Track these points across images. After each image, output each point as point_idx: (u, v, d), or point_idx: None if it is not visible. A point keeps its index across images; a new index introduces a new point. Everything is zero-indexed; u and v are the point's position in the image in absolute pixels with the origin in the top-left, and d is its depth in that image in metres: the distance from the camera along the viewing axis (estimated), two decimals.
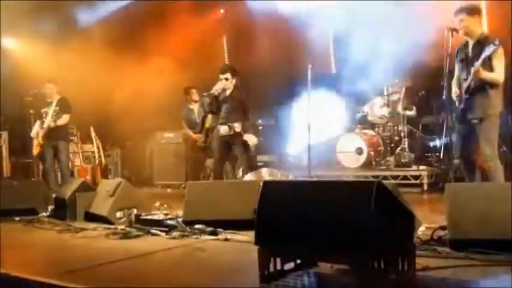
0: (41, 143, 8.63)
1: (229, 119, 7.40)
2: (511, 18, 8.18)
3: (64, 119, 8.67)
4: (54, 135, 8.67)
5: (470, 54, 5.80)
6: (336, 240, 3.08)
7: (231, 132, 7.38)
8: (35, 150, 8.88)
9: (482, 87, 5.63)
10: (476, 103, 5.69)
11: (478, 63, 5.50)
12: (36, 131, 8.74)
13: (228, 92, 7.48)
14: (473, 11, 5.78)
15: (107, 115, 10.59)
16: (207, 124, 8.97)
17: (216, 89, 7.36)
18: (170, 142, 11.29)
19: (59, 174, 8.96)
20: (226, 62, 13.11)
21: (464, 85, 5.75)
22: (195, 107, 9.68)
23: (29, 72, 10.41)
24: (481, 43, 5.70)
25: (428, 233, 4.42)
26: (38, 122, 8.81)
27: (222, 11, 12.94)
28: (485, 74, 5.55)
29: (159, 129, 11.45)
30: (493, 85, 5.64)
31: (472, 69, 5.58)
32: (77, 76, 10.27)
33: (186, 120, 9.50)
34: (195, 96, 9.62)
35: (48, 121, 8.56)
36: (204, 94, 7.71)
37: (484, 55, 5.47)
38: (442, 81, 6.00)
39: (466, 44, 5.96)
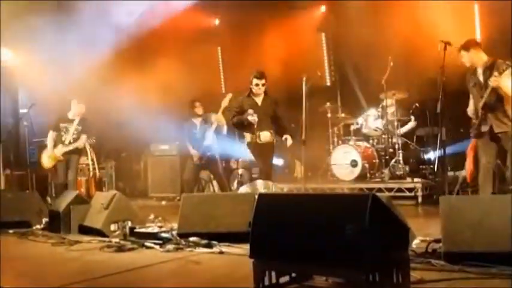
0: (59, 158, 8.63)
1: (268, 125, 7.46)
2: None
3: (83, 140, 8.60)
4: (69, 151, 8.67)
5: (481, 79, 6.22)
6: (331, 253, 3.08)
7: (272, 139, 7.46)
8: (49, 163, 8.85)
9: (496, 103, 6.08)
10: (492, 117, 6.14)
11: (495, 75, 5.88)
12: (52, 144, 8.71)
13: (262, 98, 7.50)
14: (467, 46, 6.24)
15: (102, 127, 10.57)
16: (207, 141, 8.77)
17: (255, 119, 7.36)
18: (165, 154, 11.27)
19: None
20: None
21: (480, 103, 6.15)
22: (198, 121, 9.31)
23: (24, 84, 10.41)
24: (490, 68, 6.10)
25: (423, 246, 4.42)
26: (51, 133, 8.75)
27: None
28: (504, 82, 5.88)
29: (154, 142, 11.44)
30: (507, 100, 5.98)
31: (490, 81, 5.93)
32: (72, 88, 10.27)
33: (187, 134, 9.27)
34: (198, 109, 9.23)
35: (71, 139, 8.58)
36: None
37: (496, 73, 5.89)
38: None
39: (474, 71, 6.31)
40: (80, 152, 8.88)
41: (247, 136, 7.47)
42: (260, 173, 7.49)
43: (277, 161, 11.22)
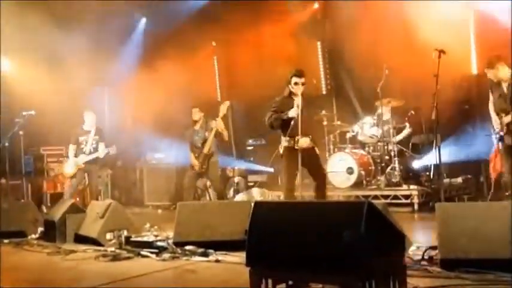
0: (81, 167, 8.92)
1: (308, 129, 6.53)
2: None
3: (102, 149, 8.93)
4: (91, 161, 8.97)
5: (505, 91, 6.51)
6: (327, 261, 3.08)
7: (311, 145, 6.57)
8: (72, 170, 8.98)
9: None
10: None
11: None
12: (73, 154, 8.94)
13: (301, 99, 6.48)
14: (490, 64, 6.53)
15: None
16: (206, 150, 8.72)
17: (297, 112, 6.34)
18: (161, 163, 11.27)
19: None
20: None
21: (508, 118, 6.45)
22: (198, 127, 9.02)
23: (19, 93, 10.39)
24: None
25: (419, 253, 4.43)
26: (71, 146, 8.99)
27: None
28: None
29: (150, 150, 11.43)
30: None
31: None
32: (68, 96, 10.28)
33: (189, 141, 9.15)
34: (195, 115, 9.00)
35: (91, 148, 8.89)
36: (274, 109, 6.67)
37: None
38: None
39: (499, 83, 6.55)
40: (97, 162, 9.11)
41: (285, 141, 6.54)
42: (291, 186, 6.55)
43: (269, 169, 11.28)
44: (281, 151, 6.62)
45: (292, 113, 6.33)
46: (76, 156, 8.92)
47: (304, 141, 6.41)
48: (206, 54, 12.51)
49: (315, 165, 6.64)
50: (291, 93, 6.57)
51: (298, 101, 6.37)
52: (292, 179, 6.55)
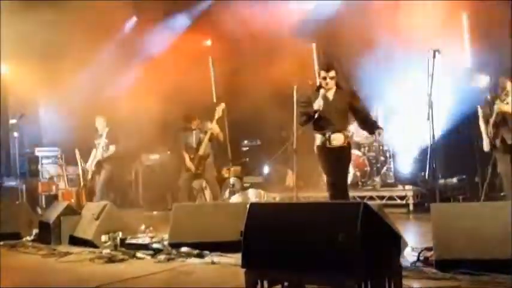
0: (93, 169, 9.39)
1: (342, 125, 5.97)
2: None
3: (111, 151, 9.28)
4: (101, 162, 9.34)
5: None
6: (323, 262, 3.08)
7: (345, 143, 5.92)
8: (90, 175, 9.50)
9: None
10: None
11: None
12: (92, 160, 9.42)
13: (333, 92, 6.02)
14: None
15: (93, 137, 10.53)
16: (201, 151, 8.70)
17: (320, 103, 5.84)
18: (156, 164, 11.24)
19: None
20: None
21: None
22: (194, 130, 9.00)
23: (14, 95, 10.36)
24: None
25: (415, 254, 4.43)
26: (93, 151, 9.44)
27: None
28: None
29: (145, 151, 11.40)
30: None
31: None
32: (63, 97, 10.26)
33: (184, 143, 9.16)
34: (194, 119, 8.99)
35: (100, 153, 9.29)
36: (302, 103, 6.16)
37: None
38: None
39: None
40: (109, 162, 9.36)
41: (318, 138, 5.98)
42: (328, 186, 5.97)
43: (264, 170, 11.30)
44: (315, 149, 6.06)
45: (316, 105, 5.83)
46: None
47: (337, 138, 5.86)
48: (201, 53, 12.48)
49: (343, 166, 5.99)
50: (319, 87, 6.07)
51: (322, 93, 5.88)
52: (336, 179, 5.92)
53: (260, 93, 10.03)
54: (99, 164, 9.39)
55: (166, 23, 12.04)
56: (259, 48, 10.97)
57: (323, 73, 6.01)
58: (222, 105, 8.64)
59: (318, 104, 5.81)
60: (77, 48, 10.45)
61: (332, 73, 5.98)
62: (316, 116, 5.84)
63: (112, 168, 9.56)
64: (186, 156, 8.79)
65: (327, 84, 5.96)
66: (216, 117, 8.49)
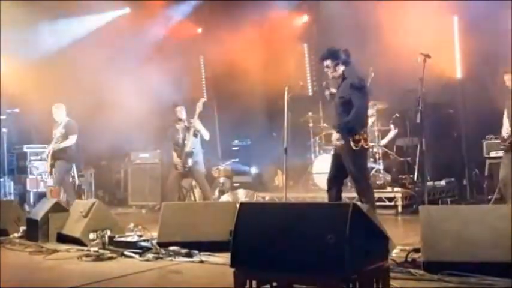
0: (50, 162, 8.75)
1: (339, 121, 5.55)
2: None
3: (70, 141, 8.67)
4: (56, 155, 8.71)
5: None
6: (312, 262, 3.08)
7: (343, 141, 5.44)
8: (48, 169, 8.94)
9: None
10: None
11: None
12: (48, 150, 8.83)
13: (339, 83, 5.60)
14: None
15: (82, 134, 10.48)
16: (187, 147, 8.64)
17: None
18: (145, 162, 11.20)
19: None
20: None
21: None
22: (181, 126, 8.83)
23: (3, 91, 10.27)
24: None
25: (403, 255, 4.45)
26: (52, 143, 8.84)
27: None
28: None
29: (134, 149, 11.36)
30: None
31: None
32: (53, 94, 10.17)
33: (172, 140, 9.04)
34: (180, 114, 8.77)
35: (53, 143, 8.68)
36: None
37: None
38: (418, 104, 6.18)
39: None
40: (65, 157, 8.75)
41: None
42: (328, 184, 5.66)
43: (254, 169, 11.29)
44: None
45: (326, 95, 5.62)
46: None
47: (333, 137, 5.61)
48: (192, 51, 12.47)
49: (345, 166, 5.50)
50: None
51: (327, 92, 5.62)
52: (328, 179, 5.70)
53: (252, 94, 10.02)
54: (54, 155, 8.69)
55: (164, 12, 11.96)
56: (249, 48, 10.99)
57: (324, 62, 5.62)
58: (202, 99, 8.63)
59: (327, 93, 5.73)
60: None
61: (328, 61, 5.55)
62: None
63: (67, 163, 8.89)
64: (174, 154, 8.74)
65: (329, 74, 5.60)
66: (197, 111, 8.45)
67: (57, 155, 8.67)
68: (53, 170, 8.72)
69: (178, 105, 8.88)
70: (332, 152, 5.66)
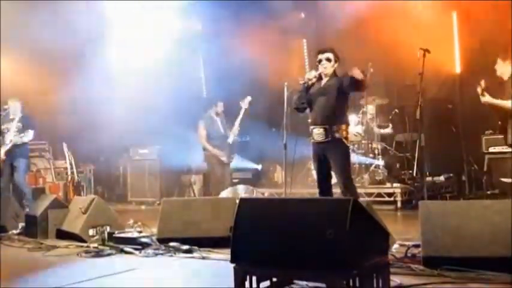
0: (3, 159, 8.12)
1: (324, 118, 5.43)
2: None
3: (29, 136, 8.13)
4: (13, 152, 8.13)
5: None
6: (312, 258, 3.08)
7: (328, 138, 5.35)
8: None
9: None
10: None
11: None
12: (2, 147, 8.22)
13: (324, 81, 5.52)
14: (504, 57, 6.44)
15: (80, 130, 10.46)
16: (230, 140, 8.33)
17: (310, 77, 5.46)
18: (145, 158, 11.20)
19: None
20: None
21: None
22: (218, 119, 8.59)
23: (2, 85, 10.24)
24: None
25: (403, 251, 4.46)
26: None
27: None
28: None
29: (134, 146, 11.36)
30: None
31: None
32: (50, 91, 10.17)
33: (207, 130, 8.45)
34: (221, 108, 8.58)
35: (12, 137, 8.04)
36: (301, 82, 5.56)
37: None
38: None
39: None
40: (26, 155, 8.36)
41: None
42: (318, 185, 5.57)
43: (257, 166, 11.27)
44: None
45: (306, 77, 5.45)
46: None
47: (316, 134, 5.43)
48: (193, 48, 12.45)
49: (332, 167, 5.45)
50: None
51: (310, 75, 5.48)
52: (318, 180, 5.60)
53: (251, 87, 9.96)
54: (10, 152, 8.07)
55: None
56: (248, 44, 10.96)
57: (319, 55, 5.54)
58: (248, 98, 8.39)
59: (309, 76, 5.49)
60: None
61: (326, 55, 5.49)
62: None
63: (28, 160, 8.47)
64: (209, 146, 8.38)
65: (324, 68, 5.48)
66: (243, 108, 8.35)
67: (17, 153, 8.15)
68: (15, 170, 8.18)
69: (219, 100, 8.69)
70: (312, 153, 5.57)
